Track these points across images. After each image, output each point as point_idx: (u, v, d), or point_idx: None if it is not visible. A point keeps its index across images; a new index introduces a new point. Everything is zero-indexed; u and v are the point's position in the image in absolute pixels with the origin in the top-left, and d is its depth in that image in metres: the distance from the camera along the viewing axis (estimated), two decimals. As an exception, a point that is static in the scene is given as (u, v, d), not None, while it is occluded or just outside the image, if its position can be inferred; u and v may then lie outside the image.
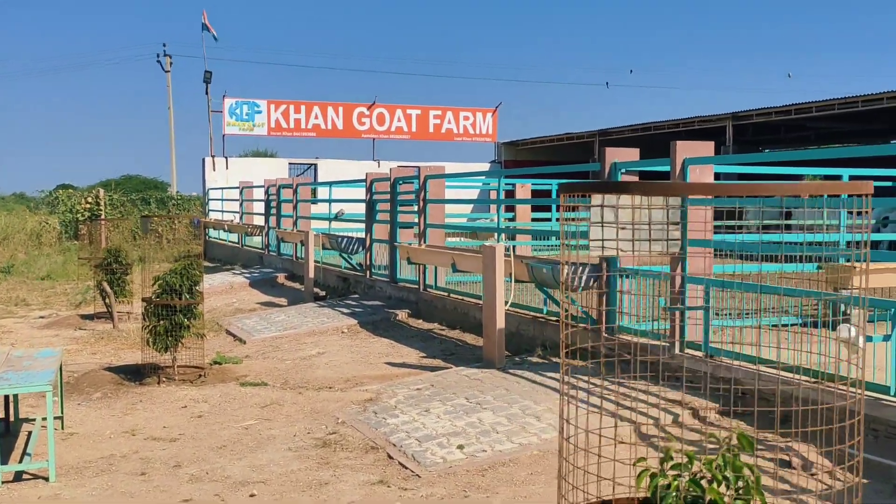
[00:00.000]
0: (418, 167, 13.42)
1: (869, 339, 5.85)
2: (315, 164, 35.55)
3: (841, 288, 9.59)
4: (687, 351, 7.93)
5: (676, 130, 27.35)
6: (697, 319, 7.95)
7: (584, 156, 33.26)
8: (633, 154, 9.06)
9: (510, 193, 24.66)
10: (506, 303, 9.31)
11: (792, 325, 9.66)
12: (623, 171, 8.92)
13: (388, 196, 14.76)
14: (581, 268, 9.08)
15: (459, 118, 36.83)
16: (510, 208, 24.17)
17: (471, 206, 26.12)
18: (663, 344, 8.32)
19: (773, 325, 9.58)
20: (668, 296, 8.09)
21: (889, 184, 9.63)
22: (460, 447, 6.72)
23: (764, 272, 11.64)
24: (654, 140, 31.57)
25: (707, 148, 7.97)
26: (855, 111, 21.58)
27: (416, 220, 13.44)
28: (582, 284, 9.13)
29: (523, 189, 21.84)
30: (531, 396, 7.90)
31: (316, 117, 35.57)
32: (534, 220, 22.46)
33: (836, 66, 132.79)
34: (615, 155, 8.97)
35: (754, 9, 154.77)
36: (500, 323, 9.16)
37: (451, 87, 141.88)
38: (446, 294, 12.63)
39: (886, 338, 5.88)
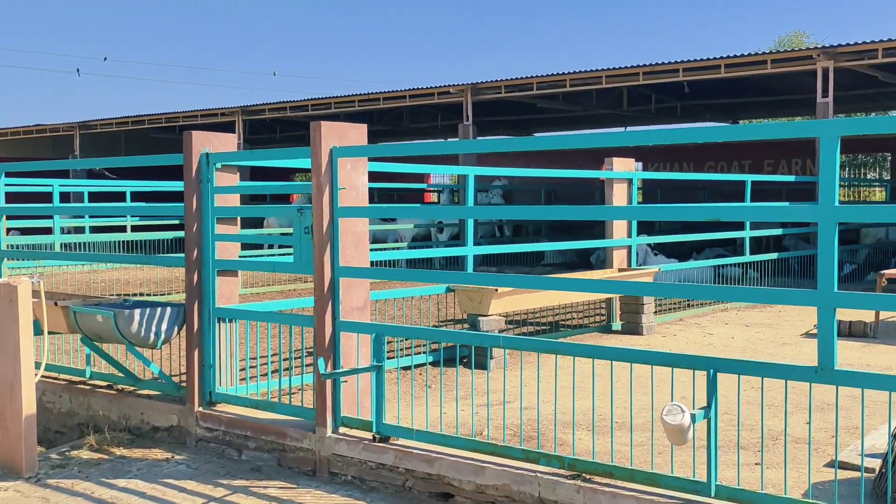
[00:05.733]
0: None
1: (693, 418, 3.92)
2: None
3: (474, 314, 7.83)
4: (343, 431, 5.42)
5: (177, 124, 24.33)
6: (356, 385, 5.49)
7: (62, 150, 28.51)
8: (229, 143, 6.28)
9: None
10: (37, 367, 5.88)
11: (419, 365, 7.70)
12: (219, 165, 6.10)
13: None
14: (160, 311, 6.07)
15: None
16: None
17: None
18: (293, 419, 5.73)
19: (404, 368, 7.52)
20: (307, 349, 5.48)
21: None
22: None
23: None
24: (139, 134, 28.19)
25: (359, 134, 5.54)
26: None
27: None
28: (163, 335, 6.11)
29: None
30: (108, 535, 4.77)
31: None
32: (11, 230, 17.92)
33: (316, 66, 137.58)
34: (204, 142, 6.11)
35: (237, 7, 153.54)
36: (29, 405, 5.74)
37: None
38: None
39: (705, 413, 4.00)
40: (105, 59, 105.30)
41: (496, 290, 7.56)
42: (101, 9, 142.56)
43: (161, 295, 13.56)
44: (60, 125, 27.39)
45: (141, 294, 13.71)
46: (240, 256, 6.40)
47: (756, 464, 4.97)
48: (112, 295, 12.83)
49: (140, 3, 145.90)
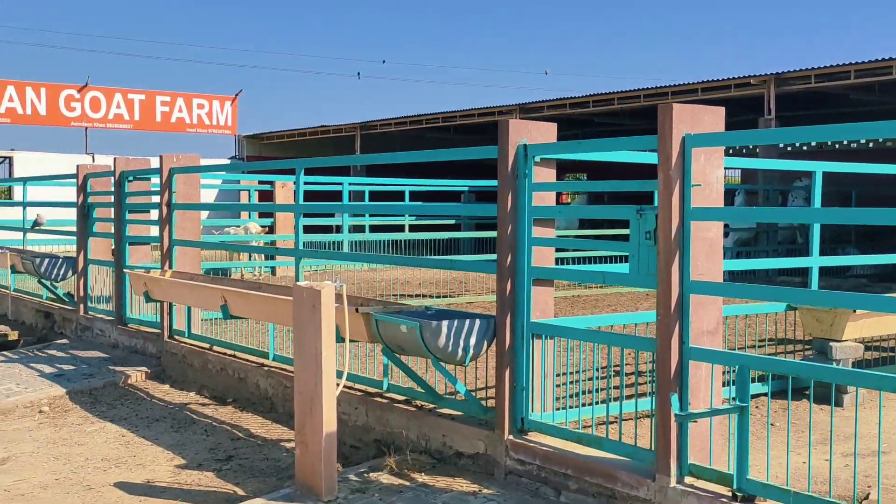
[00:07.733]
0: (160, 157, 9.09)
1: None
2: (10, 158, 29.03)
3: (823, 338, 6.56)
4: (689, 482, 4.43)
5: (452, 124, 24.36)
6: (705, 427, 4.50)
7: (343, 151, 29.53)
8: (548, 133, 5.48)
9: (266, 195, 20.45)
10: (339, 376, 5.35)
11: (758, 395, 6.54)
12: (537, 159, 5.31)
13: (111, 198, 10.32)
14: (468, 324, 5.37)
15: (193, 106, 31.62)
16: (261, 216, 20.01)
17: (206, 212, 21.66)
18: (620, 459, 4.82)
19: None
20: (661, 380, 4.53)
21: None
22: None
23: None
24: (414, 134, 28.53)
25: (715, 118, 4.55)
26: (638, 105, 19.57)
27: (159, 234, 9.10)
28: (471, 351, 5.41)
29: (285, 189, 17.80)
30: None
31: (10, 100, 28.94)
32: (311, 228, 18.42)
33: (591, 63, 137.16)
34: (523, 133, 5.34)
35: (508, 5, 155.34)
36: (329, 421, 5.22)
37: (182, 73, 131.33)
38: (207, 347, 8.43)
39: None
40: (384, 62, 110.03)
41: (853, 311, 6.28)
42: (380, 14, 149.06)
43: (440, 297, 13.17)
44: (343, 126, 28.28)
45: (420, 296, 13.39)
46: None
47: None
48: (396, 295, 12.58)
49: (416, 9, 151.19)
